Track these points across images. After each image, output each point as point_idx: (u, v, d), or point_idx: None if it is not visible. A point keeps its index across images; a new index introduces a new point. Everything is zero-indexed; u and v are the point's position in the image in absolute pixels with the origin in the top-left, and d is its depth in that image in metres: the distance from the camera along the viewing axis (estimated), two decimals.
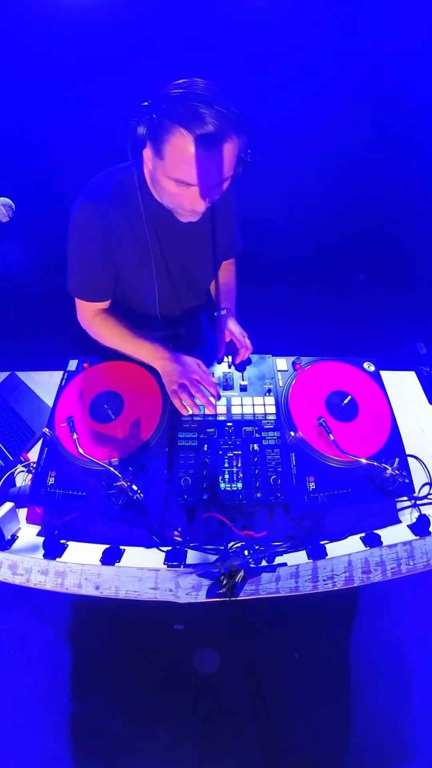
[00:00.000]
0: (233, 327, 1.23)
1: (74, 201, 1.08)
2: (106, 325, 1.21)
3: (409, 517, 1.06)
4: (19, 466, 1.13)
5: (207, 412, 1.11)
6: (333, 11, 1.68)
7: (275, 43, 1.75)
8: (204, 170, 0.89)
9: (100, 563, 0.95)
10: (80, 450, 0.99)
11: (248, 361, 1.24)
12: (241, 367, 1.23)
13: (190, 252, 1.20)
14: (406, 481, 1.01)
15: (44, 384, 1.30)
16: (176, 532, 1.00)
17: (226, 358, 1.24)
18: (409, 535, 1.00)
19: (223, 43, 1.72)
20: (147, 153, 0.95)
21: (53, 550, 0.97)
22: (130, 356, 1.18)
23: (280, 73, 1.81)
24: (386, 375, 1.24)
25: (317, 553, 0.96)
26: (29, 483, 1.09)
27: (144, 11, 1.63)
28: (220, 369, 1.23)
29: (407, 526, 1.03)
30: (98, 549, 0.98)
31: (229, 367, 1.23)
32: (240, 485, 1.01)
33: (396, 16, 1.70)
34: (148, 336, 1.19)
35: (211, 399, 1.11)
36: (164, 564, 0.95)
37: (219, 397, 1.13)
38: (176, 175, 0.91)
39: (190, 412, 1.10)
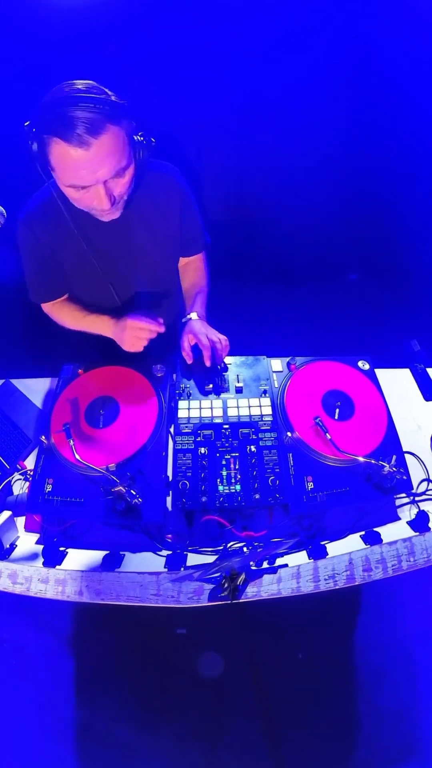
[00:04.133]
0: (198, 328, 1.19)
1: None
2: (62, 309, 1.30)
3: (408, 513, 1.06)
4: (16, 474, 1.12)
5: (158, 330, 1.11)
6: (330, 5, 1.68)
7: (268, 40, 1.75)
8: (90, 169, 0.90)
9: (100, 570, 0.95)
10: (77, 456, 0.99)
11: (224, 368, 1.21)
12: (217, 369, 1.20)
13: (130, 250, 1.20)
14: (404, 477, 1.01)
15: (39, 391, 1.29)
16: (169, 536, 1.00)
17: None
18: (409, 532, 1.00)
19: (220, 36, 1.72)
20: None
21: (53, 557, 0.96)
22: (89, 332, 1.25)
23: (272, 69, 1.81)
24: (381, 373, 1.24)
25: (318, 553, 0.96)
26: (26, 491, 1.08)
27: (146, 13, 1.63)
28: (216, 372, 1.22)
29: (406, 522, 1.03)
30: (98, 555, 0.98)
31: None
32: (238, 487, 1.01)
33: (394, 10, 1.71)
34: (98, 312, 1.25)
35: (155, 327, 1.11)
36: (165, 568, 0.95)
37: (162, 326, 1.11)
38: (67, 181, 0.93)
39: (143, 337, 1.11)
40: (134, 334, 1.11)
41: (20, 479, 1.12)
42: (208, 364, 1.16)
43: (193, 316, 1.25)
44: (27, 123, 0.90)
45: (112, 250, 1.18)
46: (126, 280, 1.26)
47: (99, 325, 1.22)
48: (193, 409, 1.14)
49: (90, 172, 0.90)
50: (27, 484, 1.11)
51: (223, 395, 1.17)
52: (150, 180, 1.15)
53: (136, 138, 0.97)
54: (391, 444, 1.08)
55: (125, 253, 1.20)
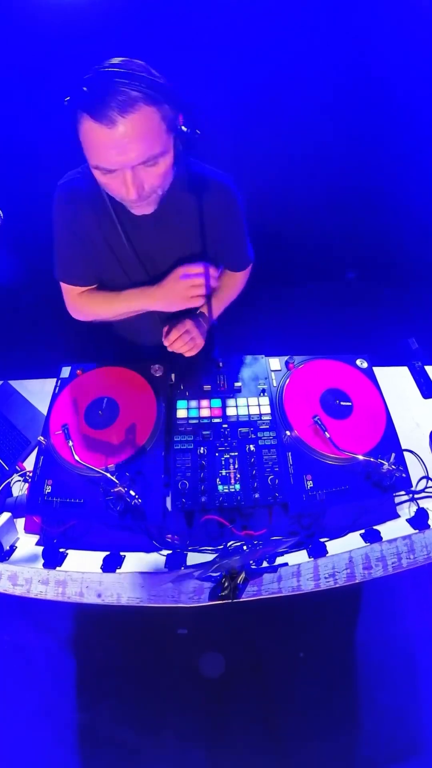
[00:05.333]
0: (188, 320, 1.14)
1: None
2: (88, 298, 1.21)
3: (407, 511, 1.07)
4: (15, 475, 1.12)
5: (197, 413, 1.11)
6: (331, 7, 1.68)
7: (268, 40, 1.75)
8: (117, 150, 0.82)
9: (100, 570, 0.95)
10: (76, 457, 0.99)
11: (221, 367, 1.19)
12: (216, 369, 1.20)
13: (159, 250, 1.13)
14: (403, 475, 1.01)
15: (38, 392, 1.29)
16: (169, 536, 1.00)
17: None
18: (409, 530, 1.01)
19: (219, 36, 1.72)
20: None
21: (53, 559, 0.96)
22: (125, 314, 1.18)
23: (272, 68, 1.81)
24: (379, 371, 1.24)
25: (318, 552, 0.96)
26: (26, 492, 1.08)
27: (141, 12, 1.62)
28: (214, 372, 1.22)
29: (406, 520, 1.03)
30: (98, 556, 0.98)
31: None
32: (238, 486, 1.01)
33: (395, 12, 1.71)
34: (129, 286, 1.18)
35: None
36: (165, 569, 0.95)
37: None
38: (94, 162, 0.86)
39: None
40: (189, 283, 1.06)
41: (19, 481, 1.12)
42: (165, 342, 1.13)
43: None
44: (67, 99, 0.83)
45: (139, 245, 1.10)
46: (149, 280, 1.18)
47: (138, 296, 1.14)
48: (192, 409, 1.14)
49: (117, 153, 0.82)
50: (26, 485, 1.10)
51: (221, 393, 1.17)
52: (200, 185, 1.07)
53: (180, 127, 0.88)
54: (390, 442, 1.08)
55: (152, 252, 1.12)
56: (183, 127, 0.88)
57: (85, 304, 1.21)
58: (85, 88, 0.80)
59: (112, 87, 0.78)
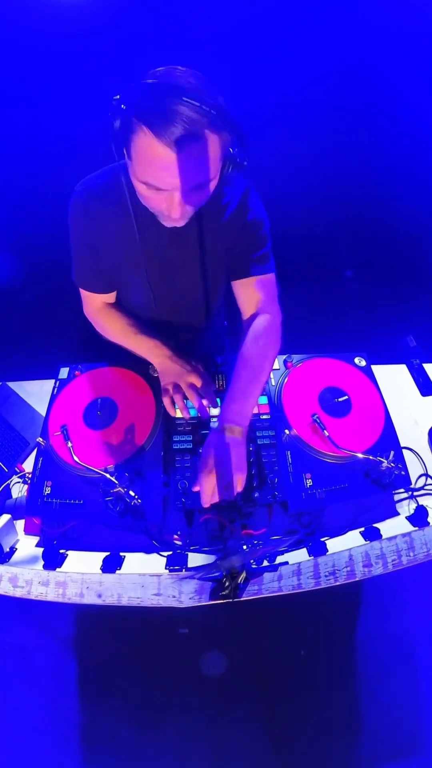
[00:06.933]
0: (214, 458, 0.91)
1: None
2: (109, 318, 1.21)
3: (407, 509, 1.07)
4: (14, 477, 1.12)
5: (197, 413, 1.09)
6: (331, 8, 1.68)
7: (267, 41, 1.75)
8: (173, 173, 0.78)
9: (100, 571, 0.95)
10: (75, 458, 0.99)
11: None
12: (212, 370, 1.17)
13: (182, 260, 1.10)
14: (402, 473, 1.01)
15: (36, 393, 1.29)
16: (176, 536, 1.00)
17: None
18: (408, 527, 1.01)
19: (220, 33, 1.71)
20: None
21: (53, 560, 0.96)
22: (132, 351, 1.18)
23: (271, 68, 1.81)
24: (377, 369, 1.24)
25: (318, 550, 0.97)
26: (25, 494, 1.08)
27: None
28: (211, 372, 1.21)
29: (405, 518, 1.03)
30: (98, 557, 0.98)
31: None
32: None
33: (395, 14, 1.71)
34: (151, 332, 1.17)
35: (204, 403, 1.09)
36: (165, 569, 0.95)
37: (215, 405, 1.10)
38: (144, 178, 0.82)
39: (178, 415, 1.09)
40: (184, 384, 1.07)
41: (19, 482, 1.12)
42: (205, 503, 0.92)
43: (223, 426, 0.95)
44: (117, 97, 0.77)
45: (163, 255, 1.08)
46: (169, 289, 1.16)
47: (148, 347, 1.14)
48: (191, 408, 1.13)
49: (172, 176, 0.78)
50: (26, 487, 1.10)
51: (219, 394, 1.17)
52: (221, 192, 1.02)
53: (230, 150, 0.85)
54: (388, 440, 1.08)
55: (175, 262, 1.10)
56: (230, 149, 0.85)
57: (103, 323, 1.22)
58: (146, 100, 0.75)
59: (182, 107, 0.73)
